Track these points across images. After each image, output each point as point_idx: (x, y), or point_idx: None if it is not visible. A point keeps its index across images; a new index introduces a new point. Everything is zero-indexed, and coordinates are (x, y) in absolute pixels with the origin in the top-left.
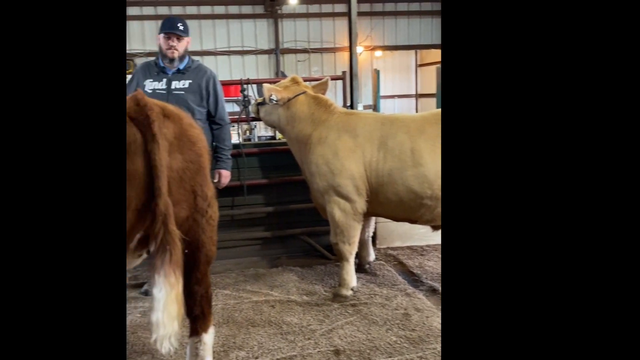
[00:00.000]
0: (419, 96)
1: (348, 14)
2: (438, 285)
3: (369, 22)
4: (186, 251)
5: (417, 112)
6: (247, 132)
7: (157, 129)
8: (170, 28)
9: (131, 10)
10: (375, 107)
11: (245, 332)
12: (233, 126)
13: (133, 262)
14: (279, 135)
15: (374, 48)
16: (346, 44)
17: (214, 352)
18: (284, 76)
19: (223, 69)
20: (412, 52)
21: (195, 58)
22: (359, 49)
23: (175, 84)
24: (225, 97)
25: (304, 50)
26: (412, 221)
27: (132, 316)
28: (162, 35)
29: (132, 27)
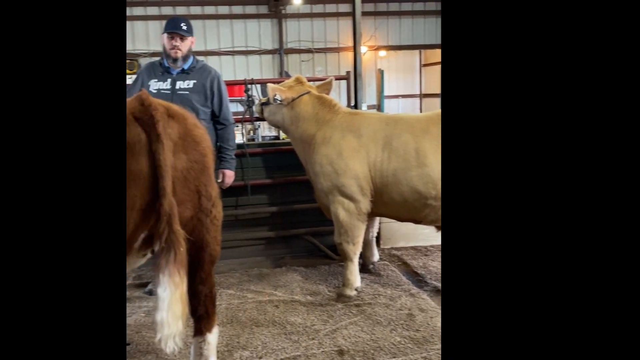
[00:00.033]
0: (423, 96)
1: (352, 14)
2: None
3: (373, 22)
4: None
5: (421, 112)
6: (251, 132)
7: (162, 129)
8: (174, 28)
9: (135, 11)
10: (379, 107)
11: (249, 332)
12: (237, 126)
13: (137, 262)
14: (282, 135)
15: (378, 48)
16: (350, 43)
17: (217, 351)
18: (288, 76)
19: (227, 69)
20: (416, 52)
21: (200, 58)
22: (363, 49)
23: (179, 84)
24: (229, 97)
25: (308, 50)
26: (417, 221)
27: (137, 315)
28: (165, 35)
29: (136, 27)
